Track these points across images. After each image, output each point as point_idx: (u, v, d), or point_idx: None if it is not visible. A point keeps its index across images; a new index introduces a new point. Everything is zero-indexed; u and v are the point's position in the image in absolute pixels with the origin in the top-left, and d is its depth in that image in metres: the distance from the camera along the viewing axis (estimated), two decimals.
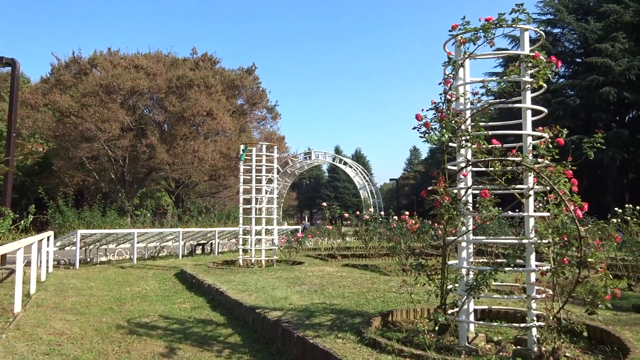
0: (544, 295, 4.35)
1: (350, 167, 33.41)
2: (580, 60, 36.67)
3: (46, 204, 16.26)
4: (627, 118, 35.82)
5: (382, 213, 16.31)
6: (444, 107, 4.83)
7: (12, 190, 14.37)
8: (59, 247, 14.35)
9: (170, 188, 38.19)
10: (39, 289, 8.77)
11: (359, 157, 73.67)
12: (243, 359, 5.13)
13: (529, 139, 4.57)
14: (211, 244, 18.71)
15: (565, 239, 4.35)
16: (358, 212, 16.41)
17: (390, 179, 56.11)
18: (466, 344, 4.47)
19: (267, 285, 8.37)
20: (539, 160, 4.49)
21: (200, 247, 18.64)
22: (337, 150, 70.88)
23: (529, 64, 4.53)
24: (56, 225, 15.11)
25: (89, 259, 15.06)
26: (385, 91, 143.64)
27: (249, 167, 12.41)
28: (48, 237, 11.33)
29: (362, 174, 32.60)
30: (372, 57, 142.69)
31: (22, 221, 8.53)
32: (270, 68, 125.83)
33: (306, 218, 70.01)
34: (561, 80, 35.57)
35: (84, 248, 15.00)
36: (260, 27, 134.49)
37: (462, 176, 4.68)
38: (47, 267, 11.33)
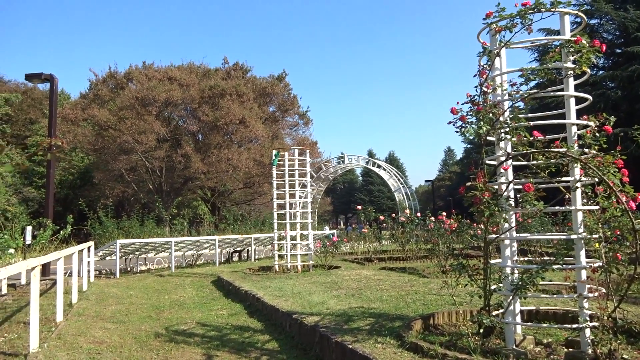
0: (596, 294, 4.08)
1: (384, 169, 33.09)
2: (620, 50, 35.30)
3: (87, 216, 16.66)
4: None
5: (419, 215, 15.98)
6: (480, 99, 4.62)
7: (55, 204, 14.80)
8: (100, 257, 14.64)
9: (206, 197, 38.68)
10: (81, 298, 8.92)
11: (392, 160, 73.02)
12: None
13: (574, 128, 4.31)
14: (247, 250, 18.77)
15: (618, 233, 4.08)
16: (394, 215, 16.15)
17: (426, 181, 55.33)
18: (514, 346, 4.24)
19: (304, 290, 8.26)
20: (585, 150, 4.23)
21: (237, 254, 18.74)
22: (370, 154, 70.42)
23: (571, 49, 4.28)
24: (96, 235, 15.45)
25: (129, 268, 15.32)
26: (417, 92, 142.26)
27: (282, 172, 12.38)
28: (89, 248, 11.55)
29: (396, 177, 32.23)
30: (404, 58, 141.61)
31: (62, 231, 8.69)
32: (301, 74, 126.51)
33: (341, 222, 69.71)
34: (601, 72, 34.29)
35: (123, 257, 15.27)
36: (290, 34, 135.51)
37: (502, 170, 4.46)
38: (89, 276, 11.54)
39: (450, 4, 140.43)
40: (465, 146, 63.89)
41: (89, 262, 11.64)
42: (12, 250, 6.12)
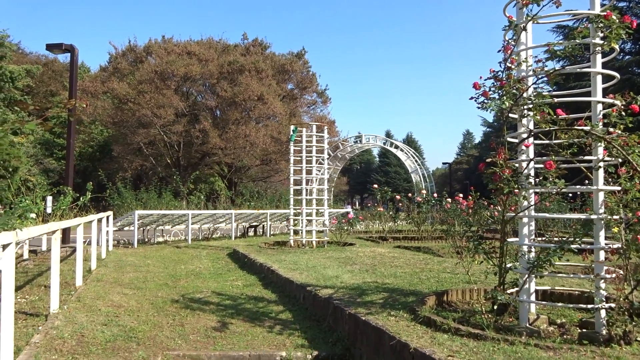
0: (614, 275, 4.04)
1: (402, 150, 32.86)
2: None
3: (106, 187, 16.91)
4: None
5: (435, 195, 15.91)
6: (504, 75, 4.53)
7: (75, 175, 15.02)
8: (119, 227, 14.90)
9: (223, 173, 38.92)
10: (99, 266, 9.11)
11: (410, 142, 72.45)
12: (294, 335, 5.10)
13: (599, 107, 4.21)
14: (263, 226, 18.93)
15: (639, 214, 4.01)
16: (410, 195, 16.10)
17: (443, 163, 54.84)
18: (527, 325, 4.23)
19: (318, 265, 8.33)
20: (610, 130, 4.14)
21: (253, 229, 18.91)
22: (388, 135, 69.96)
23: (600, 25, 4.16)
24: (115, 206, 15.70)
25: (146, 239, 15.58)
26: (437, 75, 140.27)
27: (299, 148, 12.38)
28: (107, 217, 11.76)
29: (413, 158, 32.00)
30: (424, 40, 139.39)
31: (82, 198, 8.85)
32: (321, 52, 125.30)
33: (357, 203, 69.75)
34: (627, 57, 33.41)
35: (141, 228, 15.52)
36: (310, 11, 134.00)
37: (523, 147, 4.39)
38: (107, 245, 11.78)
39: None
40: (484, 129, 63.07)
41: (107, 232, 11.86)
42: (33, 215, 6.24)
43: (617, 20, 4.12)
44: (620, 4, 35.18)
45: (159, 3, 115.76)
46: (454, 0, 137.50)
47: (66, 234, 12.10)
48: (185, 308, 6.10)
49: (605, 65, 4.37)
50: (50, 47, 12.89)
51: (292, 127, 12.38)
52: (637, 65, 32.22)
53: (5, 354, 3.43)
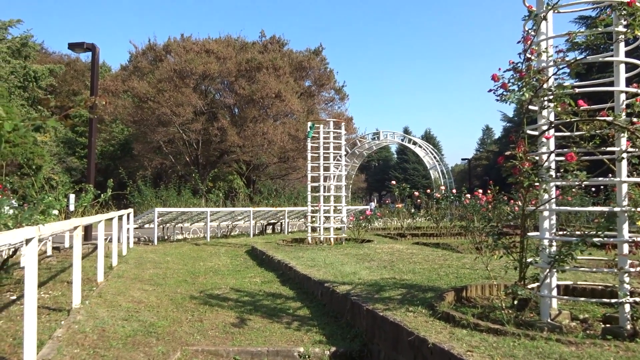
0: (638, 269, 3.94)
1: (420, 146, 32.64)
2: None
3: (127, 185, 17.14)
4: None
5: (454, 191, 15.75)
6: (524, 66, 4.45)
7: (97, 174, 15.28)
8: (139, 224, 15.09)
9: (241, 170, 39.15)
10: (120, 262, 9.23)
11: (428, 138, 71.88)
12: (312, 331, 5.10)
13: (622, 96, 4.11)
14: (281, 223, 18.98)
15: None
16: (428, 190, 15.97)
17: (462, 159, 54.36)
18: (548, 320, 4.15)
19: (336, 261, 8.31)
20: (634, 120, 4.04)
21: (271, 226, 18.97)
22: (406, 131, 69.44)
23: (623, 12, 4.05)
24: (135, 204, 15.90)
25: (166, 237, 15.75)
26: (456, 70, 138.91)
27: (317, 145, 12.36)
28: (128, 215, 11.91)
29: (432, 154, 31.77)
30: (443, 36, 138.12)
31: (102, 195, 8.98)
32: (338, 48, 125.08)
33: (375, 200, 69.64)
34: None
35: (161, 226, 15.69)
36: (327, 7, 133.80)
37: (544, 140, 4.31)
38: (128, 242, 11.92)
39: None
40: (504, 124, 62.29)
41: (128, 229, 12.01)
42: (56, 212, 6.35)
43: None
44: None
45: (178, 2, 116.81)
46: None
47: (88, 231, 12.29)
48: (204, 304, 6.14)
49: (629, 55, 4.26)
50: (72, 46, 13.10)
51: (309, 124, 12.36)
52: None
53: (29, 347, 3.49)
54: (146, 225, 15.54)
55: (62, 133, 36.60)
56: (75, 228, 5.44)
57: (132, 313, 5.40)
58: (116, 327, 4.75)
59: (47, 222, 4.92)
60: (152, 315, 5.44)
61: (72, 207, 11.16)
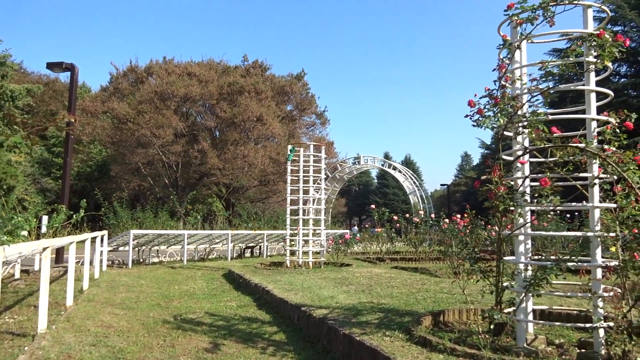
0: (611, 294, 3.97)
1: (400, 171, 32.89)
2: None
3: (102, 206, 16.81)
4: None
5: (433, 216, 15.83)
6: (499, 93, 4.54)
7: (72, 195, 15.01)
8: (114, 247, 14.78)
9: (221, 193, 38.85)
10: (92, 285, 8.99)
11: (408, 163, 72.57)
12: (288, 356, 4.99)
13: (594, 124, 4.20)
14: (260, 247, 18.80)
15: (636, 232, 3.96)
16: (407, 215, 16.02)
17: (441, 185, 54.79)
18: (525, 345, 4.14)
19: (314, 285, 8.22)
20: (605, 147, 4.12)
21: (249, 249, 18.77)
22: (387, 156, 70.02)
23: (593, 43, 4.17)
24: (110, 225, 15.60)
25: (141, 260, 15.44)
26: (436, 96, 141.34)
27: (297, 168, 12.35)
28: (102, 236, 11.67)
29: (411, 179, 32.02)
30: (423, 63, 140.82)
31: (74, 215, 8.78)
32: (320, 74, 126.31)
33: (356, 224, 69.65)
34: (623, 79, 33.76)
35: (136, 249, 15.39)
36: (310, 33, 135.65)
37: (519, 164, 4.36)
38: (101, 265, 11.65)
39: (473, 8, 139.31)
40: (482, 151, 63.25)
41: (101, 251, 11.75)
42: (25, 233, 6.16)
43: (610, 39, 4.14)
44: (615, 27, 35.72)
45: (161, 24, 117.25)
46: (454, 21, 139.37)
47: (60, 253, 11.98)
48: (177, 329, 5.98)
49: (600, 85, 4.37)
50: (50, 66, 12.98)
51: (289, 147, 12.37)
52: (632, 88, 32.49)
53: None
54: (121, 248, 15.22)
55: (37, 153, 35.97)
56: (45, 249, 5.28)
57: (100, 338, 5.22)
58: (83, 353, 4.58)
59: (15, 243, 4.77)
60: (121, 341, 5.27)
61: (44, 229, 10.90)
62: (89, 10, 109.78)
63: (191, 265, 14.21)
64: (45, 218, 12.20)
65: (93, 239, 10.11)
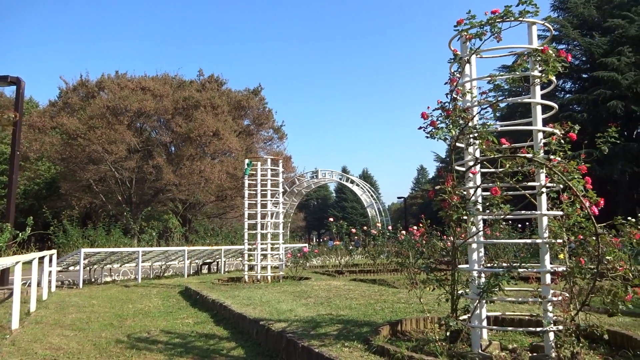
0: (560, 298, 4.12)
1: (358, 185, 33.21)
2: (586, 75, 36.56)
3: (51, 225, 16.16)
4: (635, 132, 35.47)
5: (390, 228, 16.04)
6: (450, 105, 4.68)
7: (19, 214, 14.30)
8: (64, 267, 14.20)
9: (177, 209, 38.08)
10: (40, 307, 8.60)
11: (366, 177, 73.49)
12: None
13: (540, 135, 4.39)
14: (217, 262, 18.48)
15: (581, 238, 4.14)
16: (365, 227, 16.17)
17: (398, 197, 55.71)
18: (479, 351, 4.23)
19: (273, 299, 8.15)
20: (551, 157, 4.31)
21: (207, 266, 18.43)
22: (345, 170, 70.71)
23: (538, 58, 4.38)
24: (60, 244, 14.99)
25: (93, 279, 14.88)
26: (391, 111, 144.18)
27: (254, 182, 12.27)
28: (51, 256, 11.18)
29: (369, 192, 32.38)
30: (379, 77, 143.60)
31: (20, 234, 8.39)
32: (277, 89, 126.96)
33: (314, 238, 69.67)
34: (568, 95, 35.46)
35: (88, 268, 14.83)
36: (266, 48, 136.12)
37: (470, 175, 4.50)
38: (50, 286, 11.16)
39: (427, 24, 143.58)
40: (437, 165, 64.78)
41: (50, 272, 11.26)
42: None
43: (554, 54, 4.36)
44: (559, 46, 37.56)
45: (114, 38, 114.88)
46: (407, 36, 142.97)
47: (4, 274, 11.40)
48: (130, 348, 5.79)
49: (546, 99, 4.58)
50: None
51: (246, 161, 12.28)
52: (576, 103, 34.15)
53: None
54: (71, 268, 14.63)
55: None
56: None
57: None
58: None
59: None
60: None
61: None
62: (37, 23, 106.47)
63: (146, 283, 13.81)
64: None
65: (41, 259, 9.68)
